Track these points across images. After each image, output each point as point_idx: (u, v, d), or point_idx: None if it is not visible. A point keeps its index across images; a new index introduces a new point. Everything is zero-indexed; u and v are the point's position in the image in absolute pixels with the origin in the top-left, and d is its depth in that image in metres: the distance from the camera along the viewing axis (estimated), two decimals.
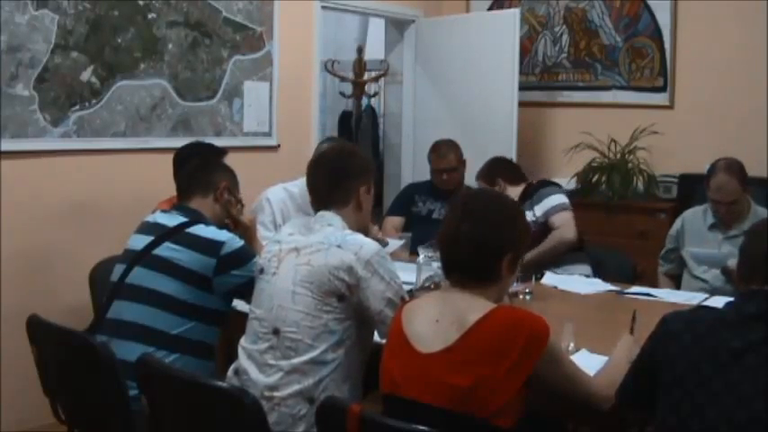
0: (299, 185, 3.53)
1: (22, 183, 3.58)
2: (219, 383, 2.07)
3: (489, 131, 5.30)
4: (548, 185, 3.90)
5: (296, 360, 2.17)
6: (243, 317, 2.47)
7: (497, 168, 3.96)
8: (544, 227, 3.70)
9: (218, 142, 3.61)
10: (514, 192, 3.82)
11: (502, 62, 5.32)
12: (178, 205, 2.71)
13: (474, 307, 1.87)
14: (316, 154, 3.42)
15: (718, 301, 2.41)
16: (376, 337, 2.28)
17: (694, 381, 1.71)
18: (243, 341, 2.32)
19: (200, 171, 2.77)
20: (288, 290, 2.22)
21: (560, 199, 3.78)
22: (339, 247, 2.21)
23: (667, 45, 5.19)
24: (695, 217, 3.70)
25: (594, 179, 5.19)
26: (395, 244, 3.54)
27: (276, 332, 2.21)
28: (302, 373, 2.16)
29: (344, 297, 2.18)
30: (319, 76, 5.26)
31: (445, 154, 4.10)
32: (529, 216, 3.66)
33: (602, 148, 5.24)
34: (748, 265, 1.84)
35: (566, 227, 3.69)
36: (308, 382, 2.16)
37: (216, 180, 2.74)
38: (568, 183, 5.01)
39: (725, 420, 1.66)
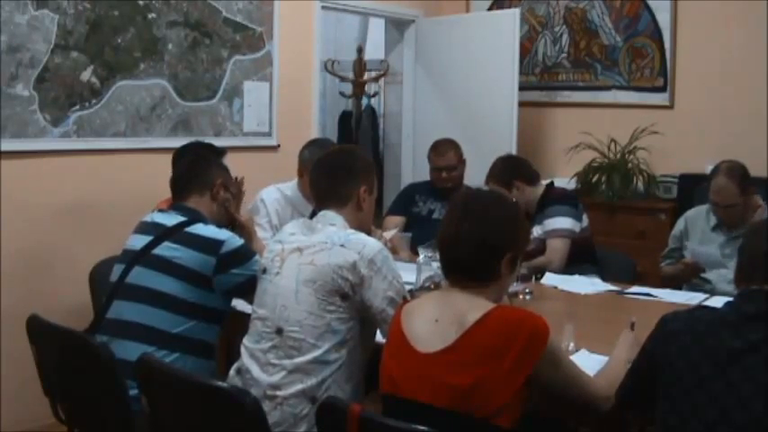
0: (291, 187, 3.53)
1: (22, 183, 3.58)
2: (219, 383, 2.07)
3: (489, 131, 5.30)
4: (562, 201, 3.75)
5: (299, 359, 2.17)
6: (243, 316, 2.47)
7: (513, 170, 3.81)
8: (543, 245, 3.66)
9: (218, 142, 3.61)
10: (535, 192, 3.78)
11: (502, 62, 5.32)
12: (176, 204, 2.71)
13: (473, 307, 1.87)
14: (303, 159, 3.45)
15: (718, 301, 2.41)
16: (378, 337, 2.28)
17: (694, 381, 1.71)
18: (246, 340, 2.32)
19: (195, 170, 2.76)
20: (291, 289, 2.22)
21: (564, 223, 3.65)
22: (342, 246, 2.21)
23: (667, 45, 5.19)
24: (698, 217, 3.69)
25: (594, 179, 5.19)
26: (391, 233, 3.54)
27: (279, 331, 2.21)
28: (305, 372, 2.17)
29: (348, 296, 2.19)
30: (319, 76, 5.26)
31: (445, 152, 4.09)
32: (535, 231, 3.63)
33: (602, 148, 5.24)
34: (748, 265, 1.83)
35: (554, 255, 3.58)
36: (310, 381, 2.16)
37: (211, 178, 2.73)
38: (568, 183, 5.01)
39: (725, 420, 1.65)
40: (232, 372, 2.33)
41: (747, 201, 3.50)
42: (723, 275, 3.47)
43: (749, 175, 3.49)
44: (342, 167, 2.41)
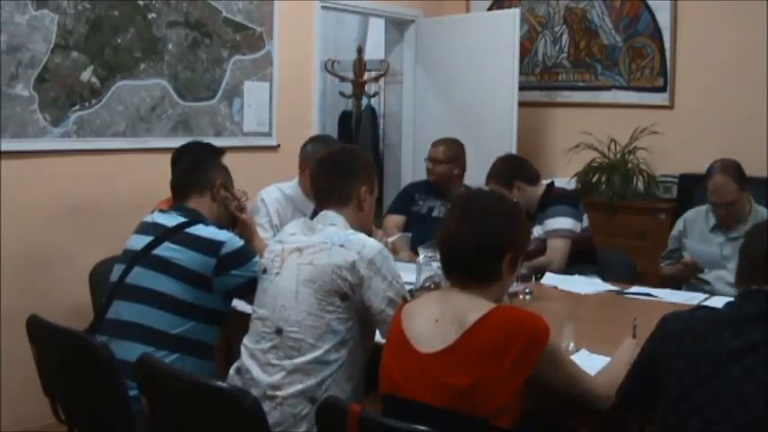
0: (292, 186, 3.53)
1: (22, 183, 3.58)
2: (219, 383, 2.07)
3: (489, 131, 5.30)
4: (563, 201, 3.75)
5: (299, 360, 2.17)
6: (243, 316, 2.47)
7: (514, 170, 3.80)
8: (543, 245, 3.66)
9: (218, 142, 3.61)
10: (535, 192, 3.78)
11: (502, 62, 5.32)
12: (177, 205, 2.71)
13: (474, 307, 1.87)
14: (305, 154, 3.45)
15: (718, 302, 2.41)
16: (378, 337, 2.28)
17: (694, 381, 1.71)
18: (246, 340, 2.32)
19: (195, 170, 2.76)
20: (291, 289, 2.22)
21: (565, 224, 3.65)
22: (342, 246, 2.21)
23: (667, 45, 5.19)
24: (697, 217, 3.70)
25: (594, 179, 5.19)
26: (394, 237, 3.55)
27: (279, 332, 2.21)
28: (305, 372, 2.17)
29: (347, 296, 2.19)
30: (319, 76, 5.26)
31: (437, 144, 4.15)
32: (535, 231, 3.63)
33: (602, 148, 5.24)
34: (748, 265, 1.84)
35: (555, 255, 3.58)
36: (310, 381, 2.16)
37: (212, 178, 2.73)
38: (568, 183, 5.01)
39: (725, 420, 1.66)
40: (232, 372, 2.33)
41: (746, 197, 3.51)
42: (722, 277, 3.48)
43: (744, 172, 3.50)
44: (342, 167, 2.41)
